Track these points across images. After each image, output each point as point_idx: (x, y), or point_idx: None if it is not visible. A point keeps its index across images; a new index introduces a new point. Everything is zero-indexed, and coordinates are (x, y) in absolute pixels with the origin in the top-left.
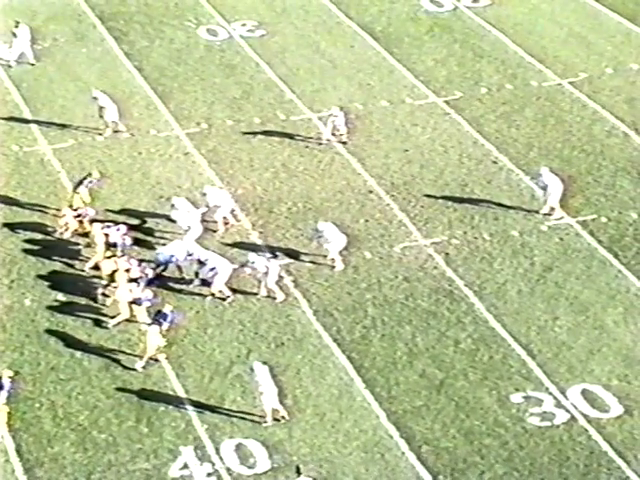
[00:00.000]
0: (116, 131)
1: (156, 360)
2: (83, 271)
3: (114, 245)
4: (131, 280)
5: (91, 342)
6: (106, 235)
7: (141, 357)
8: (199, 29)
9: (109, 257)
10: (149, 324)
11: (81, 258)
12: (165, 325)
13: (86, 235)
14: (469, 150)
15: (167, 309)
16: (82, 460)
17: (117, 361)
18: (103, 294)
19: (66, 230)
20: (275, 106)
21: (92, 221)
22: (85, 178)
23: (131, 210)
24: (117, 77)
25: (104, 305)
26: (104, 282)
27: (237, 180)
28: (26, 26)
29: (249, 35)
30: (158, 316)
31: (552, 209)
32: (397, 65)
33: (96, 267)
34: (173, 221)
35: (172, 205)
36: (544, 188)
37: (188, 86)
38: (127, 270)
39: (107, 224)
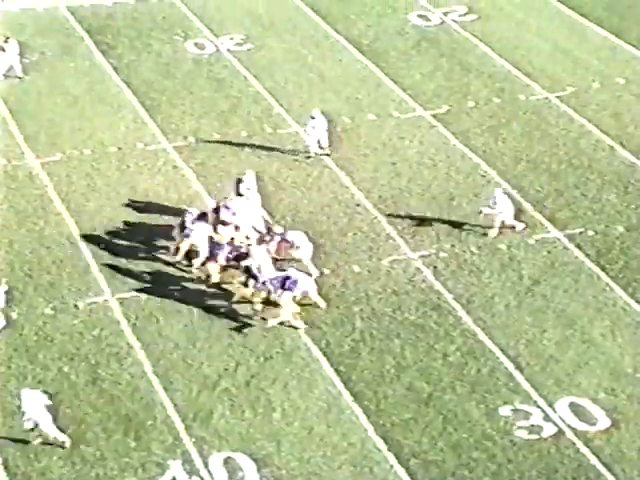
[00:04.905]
0: None
1: (295, 328)
2: (71, 283)
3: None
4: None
5: (79, 355)
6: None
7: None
8: (187, 43)
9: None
10: (282, 290)
11: (69, 270)
12: (297, 292)
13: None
14: (457, 163)
15: (294, 276)
16: (70, 474)
17: (105, 375)
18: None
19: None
20: (263, 120)
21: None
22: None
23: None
24: (105, 91)
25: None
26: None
27: (225, 193)
28: (15, 41)
29: (237, 49)
30: (288, 282)
31: (512, 227)
32: (384, 79)
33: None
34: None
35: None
36: (495, 209)
37: (176, 99)
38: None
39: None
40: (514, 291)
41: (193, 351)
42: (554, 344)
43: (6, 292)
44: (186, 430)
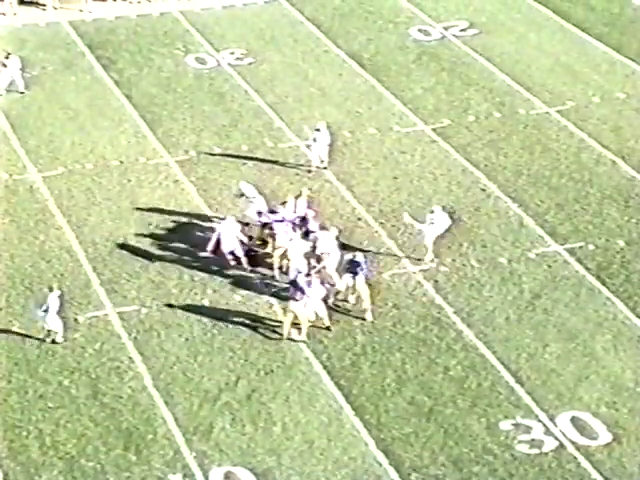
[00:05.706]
0: None
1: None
2: (72, 297)
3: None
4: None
5: (80, 369)
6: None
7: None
8: (188, 57)
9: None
10: (350, 274)
11: (69, 284)
12: (364, 272)
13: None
14: (458, 178)
15: (360, 258)
16: None
17: (105, 389)
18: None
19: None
20: (263, 134)
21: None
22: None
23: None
24: (106, 105)
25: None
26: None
27: (226, 207)
28: (16, 56)
29: (237, 63)
30: (354, 266)
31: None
32: (385, 93)
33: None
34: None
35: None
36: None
37: (177, 114)
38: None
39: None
40: (515, 305)
41: (194, 365)
42: (555, 358)
43: (60, 297)
44: (187, 444)
